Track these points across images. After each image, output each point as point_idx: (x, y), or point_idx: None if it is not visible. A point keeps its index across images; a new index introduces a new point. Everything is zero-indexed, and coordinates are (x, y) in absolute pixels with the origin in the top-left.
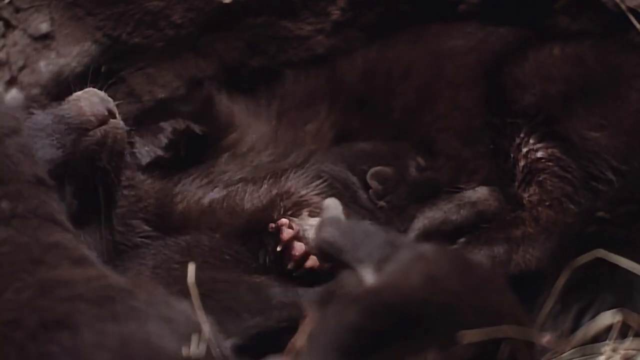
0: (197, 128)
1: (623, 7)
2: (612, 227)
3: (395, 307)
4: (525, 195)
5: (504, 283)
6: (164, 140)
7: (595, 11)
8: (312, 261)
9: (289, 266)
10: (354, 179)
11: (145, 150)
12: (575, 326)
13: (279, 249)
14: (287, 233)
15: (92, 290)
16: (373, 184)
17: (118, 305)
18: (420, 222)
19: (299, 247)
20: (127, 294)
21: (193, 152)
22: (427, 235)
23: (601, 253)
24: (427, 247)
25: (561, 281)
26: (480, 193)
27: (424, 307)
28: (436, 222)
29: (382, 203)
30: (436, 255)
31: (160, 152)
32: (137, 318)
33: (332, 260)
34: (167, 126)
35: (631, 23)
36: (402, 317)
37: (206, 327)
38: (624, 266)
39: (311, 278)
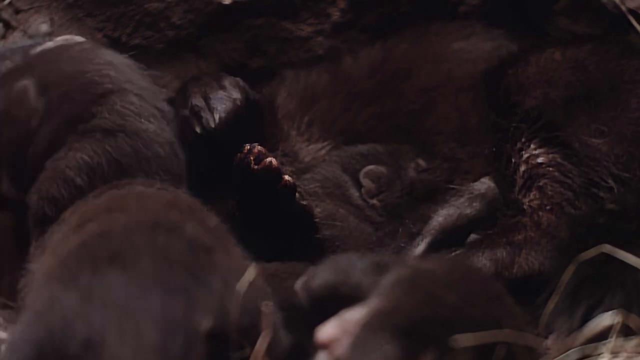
0: (256, 95)
1: (623, 8)
2: (622, 220)
3: (402, 329)
4: (526, 200)
5: (502, 288)
6: (230, 86)
7: (596, 12)
8: (271, 159)
9: (250, 159)
10: (346, 177)
11: (219, 99)
12: (583, 325)
13: (240, 155)
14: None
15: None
16: (366, 182)
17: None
18: (436, 221)
19: (258, 146)
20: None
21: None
22: (444, 233)
23: (607, 248)
24: (420, 262)
25: (566, 276)
26: (487, 184)
27: (428, 324)
28: (452, 219)
29: (374, 201)
30: (432, 269)
31: (235, 95)
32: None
33: (330, 304)
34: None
35: (631, 24)
36: (408, 337)
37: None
38: (630, 262)
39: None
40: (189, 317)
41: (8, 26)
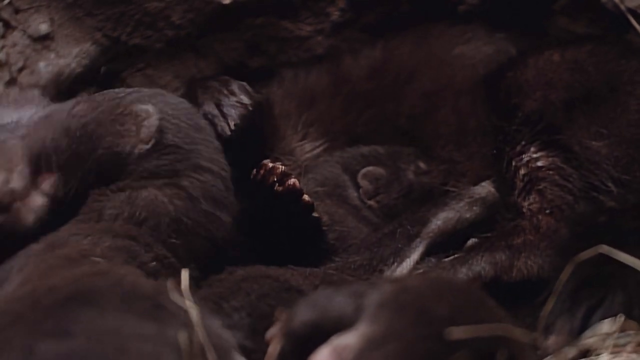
0: (259, 97)
1: (622, 7)
2: (623, 218)
3: (399, 353)
4: (525, 203)
5: (483, 294)
6: (239, 91)
7: (595, 12)
8: (294, 180)
9: (272, 180)
10: (345, 177)
11: (231, 105)
12: (583, 325)
13: (262, 171)
14: (269, 162)
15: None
16: (364, 183)
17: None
18: (435, 224)
19: (280, 167)
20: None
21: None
22: (443, 236)
23: (604, 249)
24: (401, 279)
25: (564, 277)
26: (487, 188)
27: (424, 341)
28: (451, 222)
29: (371, 202)
30: (415, 285)
31: (245, 100)
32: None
33: (318, 337)
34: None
35: (631, 24)
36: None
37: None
38: (627, 262)
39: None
40: (166, 333)
41: (8, 26)
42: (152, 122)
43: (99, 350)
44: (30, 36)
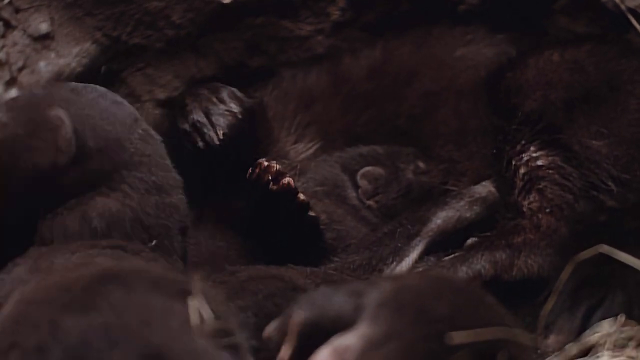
0: (250, 102)
1: (623, 7)
2: (623, 218)
3: (400, 354)
4: (525, 202)
5: (483, 292)
6: (229, 99)
7: (595, 11)
8: (289, 179)
9: (267, 178)
10: (345, 177)
11: (220, 114)
12: (584, 325)
13: (257, 170)
14: (264, 161)
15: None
16: (362, 183)
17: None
18: (435, 223)
19: (275, 165)
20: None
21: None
22: (443, 235)
23: (604, 248)
24: (400, 278)
25: (564, 276)
26: (488, 187)
27: (425, 341)
28: (452, 222)
29: (370, 202)
30: (415, 284)
31: (235, 108)
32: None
33: (317, 337)
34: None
35: (631, 23)
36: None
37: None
38: (627, 262)
39: (288, 199)
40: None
41: (8, 25)
42: (67, 130)
43: (124, 323)
44: (30, 35)
